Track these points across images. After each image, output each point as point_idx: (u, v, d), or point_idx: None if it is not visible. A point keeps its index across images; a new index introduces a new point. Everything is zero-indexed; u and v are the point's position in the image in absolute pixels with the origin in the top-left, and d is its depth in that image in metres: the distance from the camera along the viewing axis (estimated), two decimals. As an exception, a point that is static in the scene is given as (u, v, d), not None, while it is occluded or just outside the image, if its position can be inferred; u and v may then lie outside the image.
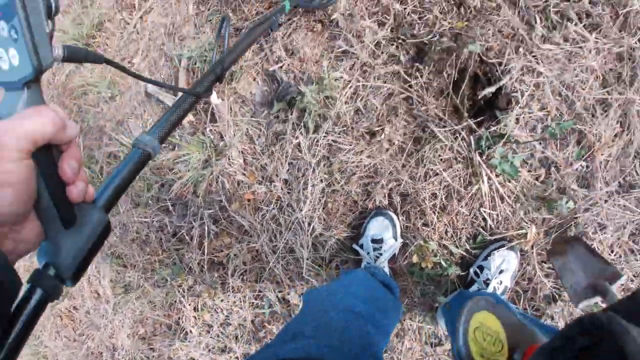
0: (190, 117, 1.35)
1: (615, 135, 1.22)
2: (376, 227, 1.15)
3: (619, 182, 1.22)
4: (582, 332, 0.28)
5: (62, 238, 0.31)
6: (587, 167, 1.23)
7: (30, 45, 0.28)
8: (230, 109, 1.24)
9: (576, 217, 1.19)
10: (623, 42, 1.20)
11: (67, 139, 0.30)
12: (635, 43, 1.21)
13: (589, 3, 1.20)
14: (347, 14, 1.15)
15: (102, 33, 1.76)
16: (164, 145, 1.46)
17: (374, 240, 1.15)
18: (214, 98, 1.27)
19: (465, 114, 1.12)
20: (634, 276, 1.19)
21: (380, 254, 1.15)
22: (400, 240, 1.17)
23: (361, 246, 1.17)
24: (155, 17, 1.53)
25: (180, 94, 0.62)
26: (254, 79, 1.23)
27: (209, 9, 1.36)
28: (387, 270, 1.17)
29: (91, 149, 1.78)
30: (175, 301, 1.52)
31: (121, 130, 1.67)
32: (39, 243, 0.31)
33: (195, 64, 1.33)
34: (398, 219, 1.17)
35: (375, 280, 1.03)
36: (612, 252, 1.21)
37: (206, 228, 1.34)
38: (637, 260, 1.17)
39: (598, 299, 0.51)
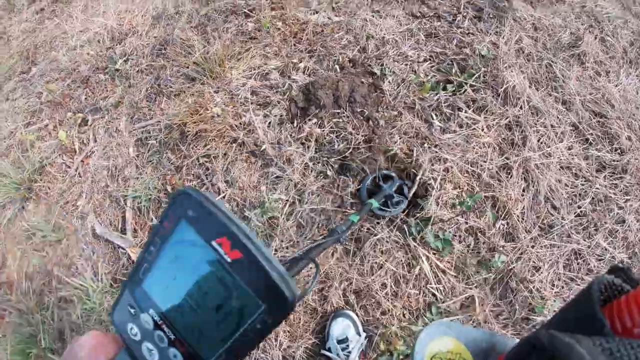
0: (142, 254, 1.38)
1: (524, 190, 1.45)
2: (338, 328, 1.21)
3: (539, 227, 1.42)
4: (532, 351, 0.27)
5: None
6: (508, 223, 1.43)
7: None
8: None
9: (511, 268, 1.35)
10: (508, 114, 1.49)
11: None
12: (519, 111, 1.51)
13: (473, 91, 1.50)
14: (276, 142, 1.32)
15: (44, 177, 1.79)
16: (117, 285, 1.45)
17: (339, 341, 1.21)
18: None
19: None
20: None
21: (350, 352, 1.20)
22: (363, 334, 1.24)
23: (329, 349, 1.22)
24: (96, 160, 1.61)
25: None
26: (201, 211, 1.32)
27: (148, 151, 1.47)
28: None
29: (40, 294, 1.70)
30: None
31: (71, 273, 1.63)
32: None
33: (141, 202, 1.41)
34: (357, 315, 1.25)
35: None
36: (553, 286, 1.37)
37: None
38: (579, 285, 1.33)
39: None
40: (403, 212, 1.31)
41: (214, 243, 0.30)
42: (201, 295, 0.32)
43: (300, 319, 1.25)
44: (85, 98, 1.80)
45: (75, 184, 1.66)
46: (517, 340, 0.38)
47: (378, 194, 1.24)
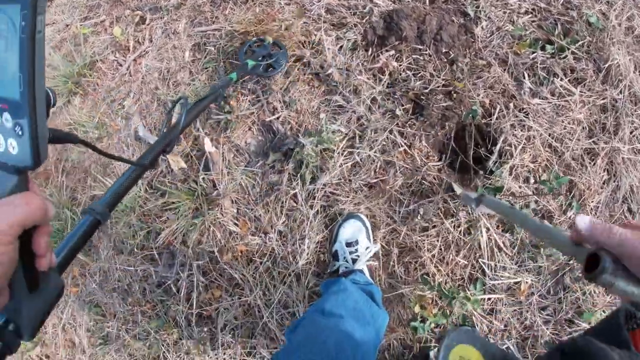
0: (182, 164, 1.32)
1: (604, 183, 1.26)
2: (348, 230, 1.09)
3: (609, 228, 1.25)
4: (563, 358, 0.30)
5: (25, 300, 0.36)
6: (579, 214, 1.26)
7: (34, 145, 0.32)
8: (224, 158, 1.22)
9: (571, 264, 1.20)
10: (606, 94, 1.28)
11: (47, 221, 0.34)
12: (618, 94, 1.29)
13: (574, 59, 1.29)
14: (345, 68, 1.18)
15: (94, 72, 1.74)
16: (152, 191, 1.41)
17: (348, 244, 1.09)
18: (207, 145, 1.25)
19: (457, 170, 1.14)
20: None
21: (358, 257, 1.08)
22: (378, 243, 1.11)
23: (335, 253, 1.10)
24: (149, 60, 1.53)
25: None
26: (249, 129, 1.22)
27: (205, 57, 1.36)
28: (366, 272, 1.11)
29: (74, 190, 1.70)
30: (159, 356, 1.41)
31: (107, 173, 1.61)
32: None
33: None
34: (368, 220, 1.12)
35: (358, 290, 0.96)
36: (609, 295, 1.22)
37: (195, 280, 1.27)
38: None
39: None
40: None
41: None
42: None
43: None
44: (146, -4, 1.69)
45: (125, 83, 1.60)
46: None
47: (254, 55, 1.19)
